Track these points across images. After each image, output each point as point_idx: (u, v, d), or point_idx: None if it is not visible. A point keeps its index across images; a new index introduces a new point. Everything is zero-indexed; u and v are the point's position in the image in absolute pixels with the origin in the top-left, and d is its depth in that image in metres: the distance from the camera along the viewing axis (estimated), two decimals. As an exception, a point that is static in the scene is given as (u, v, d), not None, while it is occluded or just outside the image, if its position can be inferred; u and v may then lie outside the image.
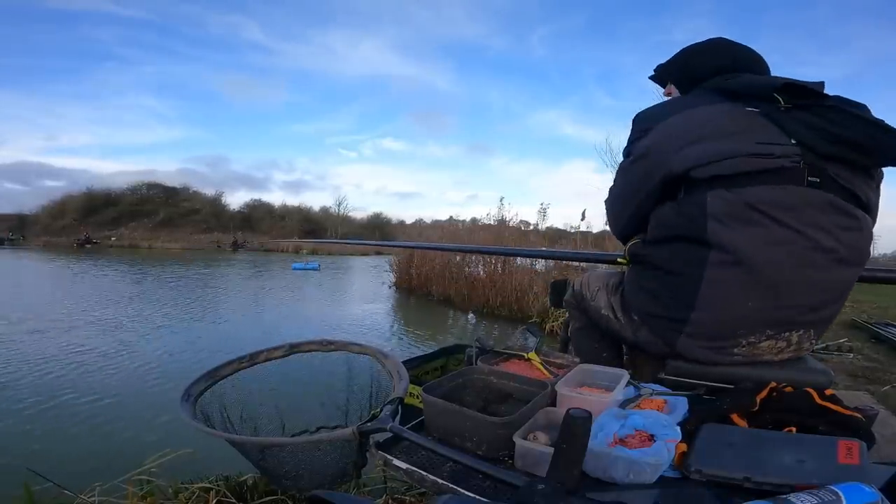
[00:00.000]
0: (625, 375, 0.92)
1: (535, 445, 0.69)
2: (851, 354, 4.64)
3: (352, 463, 0.76)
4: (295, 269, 15.67)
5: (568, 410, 0.55)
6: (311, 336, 1.05)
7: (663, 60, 1.12)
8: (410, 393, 0.98)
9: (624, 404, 0.85)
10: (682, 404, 0.84)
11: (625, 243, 1.12)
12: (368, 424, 0.74)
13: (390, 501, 1.57)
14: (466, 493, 0.67)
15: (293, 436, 0.91)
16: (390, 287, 11.17)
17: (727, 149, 0.87)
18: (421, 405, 0.84)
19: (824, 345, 4.75)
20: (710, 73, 0.99)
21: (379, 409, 0.78)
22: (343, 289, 11.94)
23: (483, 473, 0.64)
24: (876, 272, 1.35)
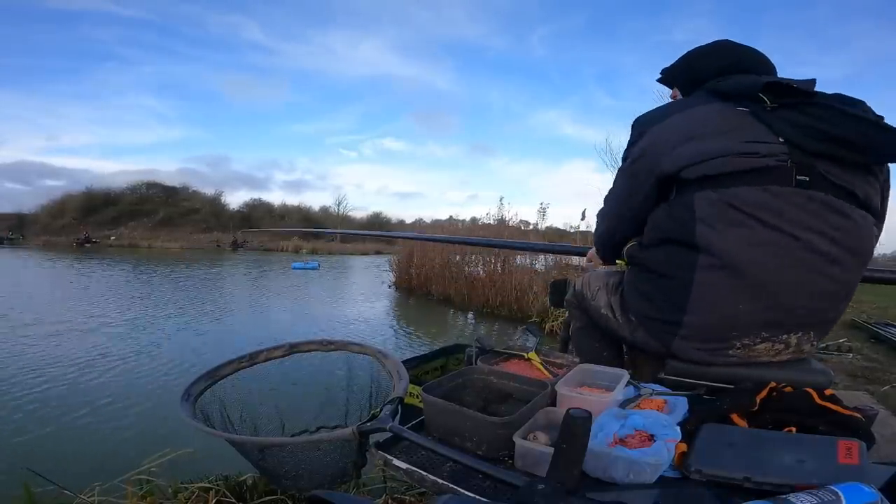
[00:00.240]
0: (625, 375, 0.92)
1: (535, 445, 0.69)
2: (851, 354, 4.65)
3: (352, 463, 0.76)
4: (295, 268, 15.67)
5: (568, 410, 0.55)
6: (311, 336, 1.06)
7: (668, 61, 1.13)
8: (410, 393, 0.98)
9: (624, 404, 0.85)
10: (682, 404, 0.84)
11: (616, 248, 1.16)
12: (368, 424, 0.74)
13: (390, 501, 1.57)
14: (466, 493, 0.67)
15: (293, 436, 0.91)
16: (390, 286, 11.17)
17: (716, 148, 0.87)
18: (421, 405, 0.84)
19: (824, 345, 4.75)
20: (714, 75, 0.98)
21: (379, 409, 0.78)
22: (343, 288, 11.93)
23: (483, 473, 0.64)
24: (875, 272, 1.35)
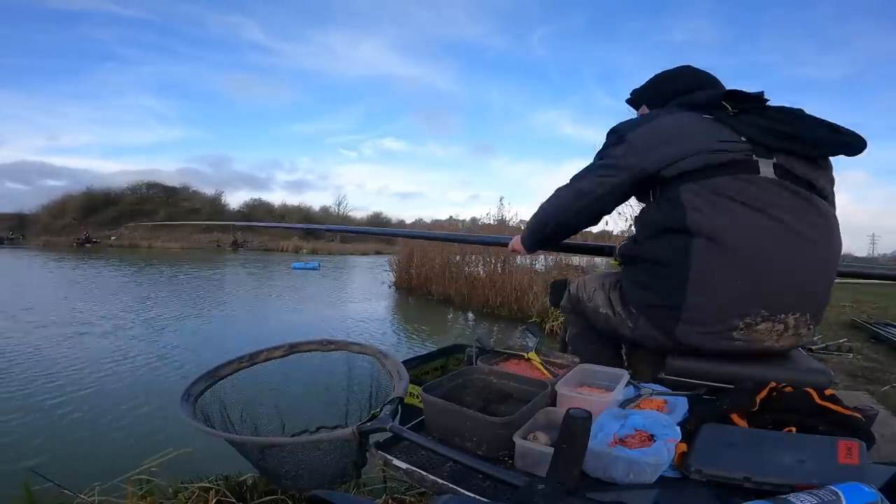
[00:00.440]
0: (625, 375, 0.92)
1: (535, 445, 0.69)
2: (851, 354, 4.64)
3: (352, 463, 0.76)
4: (295, 268, 15.66)
5: (568, 410, 0.55)
6: (311, 336, 1.05)
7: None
8: (410, 393, 0.99)
9: (624, 404, 0.85)
10: (682, 404, 0.84)
11: (548, 240, 1.22)
12: (368, 424, 0.74)
13: (390, 501, 1.57)
14: (466, 493, 0.67)
15: (293, 436, 0.91)
16: (390, 287, 11.16)
17: (690, 147, 0.97)
18: (421, 405, 0.84)
19: (824, 345, 4.75)
20: (679, 95, 1.12)
21: (379, 409, 0.79)
22: (343, 288, 11.93)
23: (483, 473, 0.64)
24: (874, 268, 1.37)
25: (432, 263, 9.96)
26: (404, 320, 7.71)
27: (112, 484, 1.71)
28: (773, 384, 0.82)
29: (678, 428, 0.72)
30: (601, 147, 1.10)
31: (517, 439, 0.70)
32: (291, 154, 76.98)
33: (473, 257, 9.44)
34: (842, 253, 1.03)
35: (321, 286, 11.94)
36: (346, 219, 37.60)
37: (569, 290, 1.30)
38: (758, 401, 0.79)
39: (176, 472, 1.84)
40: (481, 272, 9.07)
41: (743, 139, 0.97)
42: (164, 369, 4.44)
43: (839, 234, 1.01)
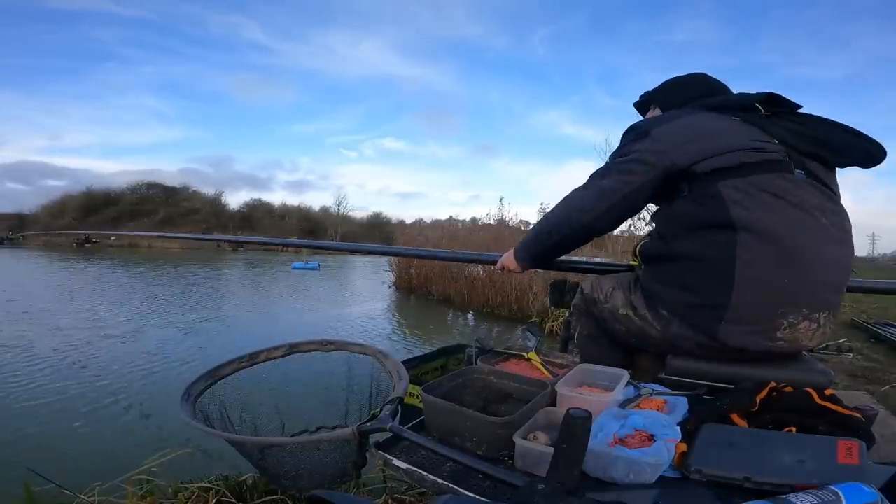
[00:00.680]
0: (625, 375, 0.92)
1: (535, 445, 0.69)
2: (851, 354, 4.64)
3: (351, 463, 0.76)
4: (295, 268, 15.66)
5: (568, 410, 0.55)
6: (311, 336, 1.05)
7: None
8: (410, 393, 0.99)
9: (624, 404, 0.85)
10: (682, 404, 0.84)
11: (553, 252, 1.15)
12: (368, 424, 0.74)
13: (390, 501, 1.57)
14: (466, 493, 0.67)
15: (293, 436, 0.91)
16: (390, 287, 11.17)
17: (724, 144, 0.96)
18: (421, 405, 0.84)
19: (824, 345, 4.74)
20: (693, 100, 1.11)
21: (379, 409, 0.78)
22: (343, 288, 11.93)
23: (483, 473, 0.64)
24: (870, 283, 1.42)
25: (432, 264, 9.96)
26: (404, 320, 7.71)
27: (112, 484, 1.71)
28: (773, 384, 0.82)
29: (678, 428, 0.72)
30: (619, 145, 1.06)
31: (517, 439, 0.70)
32: (292, 154, 77.08)
33: (474, 257, 9.42)
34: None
35: (321, 286, 11.94)
36: (345, 219, 37.58)
37: (581, 290, 1.24)
38: (758, 401, 0.79)
39: (176, 472, 1.84)
40: (481, 272, 9.07)
41: (776, 141, 0.97)
42: (165, 369, 4.44)
43: (852, 235, 1.02)
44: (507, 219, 11.63)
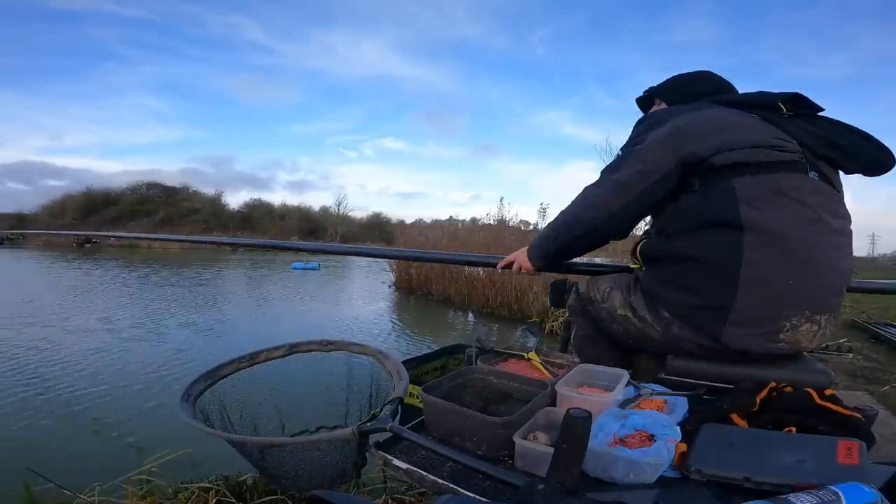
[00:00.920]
0: (625, 375, 0.92)
1: (535, 445, 0.69)
2: (851, 354, 4.64)
3: (351, 463, 0.76)
4: (295, 268, 15.64)
5: (568, 410, 0.55)
6: (312, 336, 1.05)
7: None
8: (410, 393, 0.98)
9: (624, 404, 0.85)
10: (682, 404, 0.84)
11: (567, 252, 1.13)
12: (368, 424, 0.74)
13: (390, 501, 1.57)
14: (466, 493, 0.67)
15: (293, 436, 0.91)
16: (390, 287, 11.16)
17: (744, 139, 0.95)
18: (421, 405, 0.84)
19: (824, 345, 4.74)
20: (699, 97, 1.09)
21: (379, 409, 0.78)
22: (343, 288, 11.92)
23: (483, 473, 0.64)
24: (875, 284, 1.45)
25: (432, 264, 9.96)
26: (404, 320, 7.71)
27: (112, 484, 1.71)
28: (773, 384, 0.82)
29: (678, 428, 0.72)
30: (632, 136, 1.03)
31: (517, 439, 0.70)
32: (293, 154, 76.91)
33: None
34: None
35: (321, 286, 11.94)
36: (345, 219, 37.56)
37: (577, 290, 1.22)
38: (758, 401, 0.79)
39: (176, 472, 1.84)
40: (481, 272, 9.06)
41: (794, 142, 0.96)
42: (165, 369, 4.44)
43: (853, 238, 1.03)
44: (506, 219, 11.65)
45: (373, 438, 0.77)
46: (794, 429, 0.73)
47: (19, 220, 33.22)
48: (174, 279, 11.99)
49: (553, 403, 0.85)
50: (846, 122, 1.00)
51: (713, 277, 0.93)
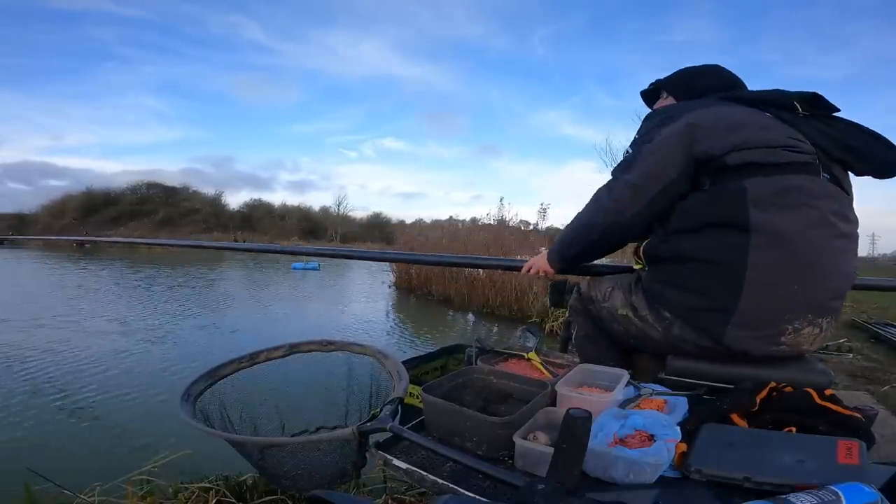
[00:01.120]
0: (625, 375, 0.92)
1: (535, 445, 0.69)
2: (851, 354, 4.62)
3: (351, 463, 0.76)
4: (295, 268, 15.63)
5: (568, 410, 0.55)
6: (312, 336, 1.05)
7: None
8: (410, 393, 0.98)
9: (624, 404, 0.85)
10: (682, 404, 0.84)
11: (587, 253, 1.12)
12: (368, 424, 0.74)
13: (390, 501, 1.57)
14: (466, 493, 0.67)
15: (293, 436, 0.91)
16: (390, 287, 11.15)
17: (765, 139, 0.93)
18: (421, 405, 0.84)
19: (824, 345, 4.74)
20: (707, 91, 1.07)
21: (379, 409, 0.78)
22: (343, 288, 11.92)
23: (483, 473, 0.64)
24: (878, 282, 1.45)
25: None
26: (404, 320, 7.71)
27: (112, 484, 1.71)
28: (773, 384, 0.82)
29: (678, 428, 0.72)
30: (641, 132, 1.01)
31: (517, 439, 0.70)
32: (294, 154, 77.01)
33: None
34: None
35: (321, 286, 11.94)
36: (345, 219, 37.56)
37: (578, 289, 1.22)
38: (758, 401, 0.79)
39: (176, 472, 1.84)
40: (481, 272, 9.06)
41: (808, 143, 0.95)
42: (164, 369, 4.43)
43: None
44: (506, 219, 11.64)
45: (373, 438, 0.77)
46: (794, 429, 0.73)
47: (19, 220, 33.27)
48: (174, 279, 11.98)
49: (553, 403, 0.85)
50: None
51: (717, 279, 0.92)
